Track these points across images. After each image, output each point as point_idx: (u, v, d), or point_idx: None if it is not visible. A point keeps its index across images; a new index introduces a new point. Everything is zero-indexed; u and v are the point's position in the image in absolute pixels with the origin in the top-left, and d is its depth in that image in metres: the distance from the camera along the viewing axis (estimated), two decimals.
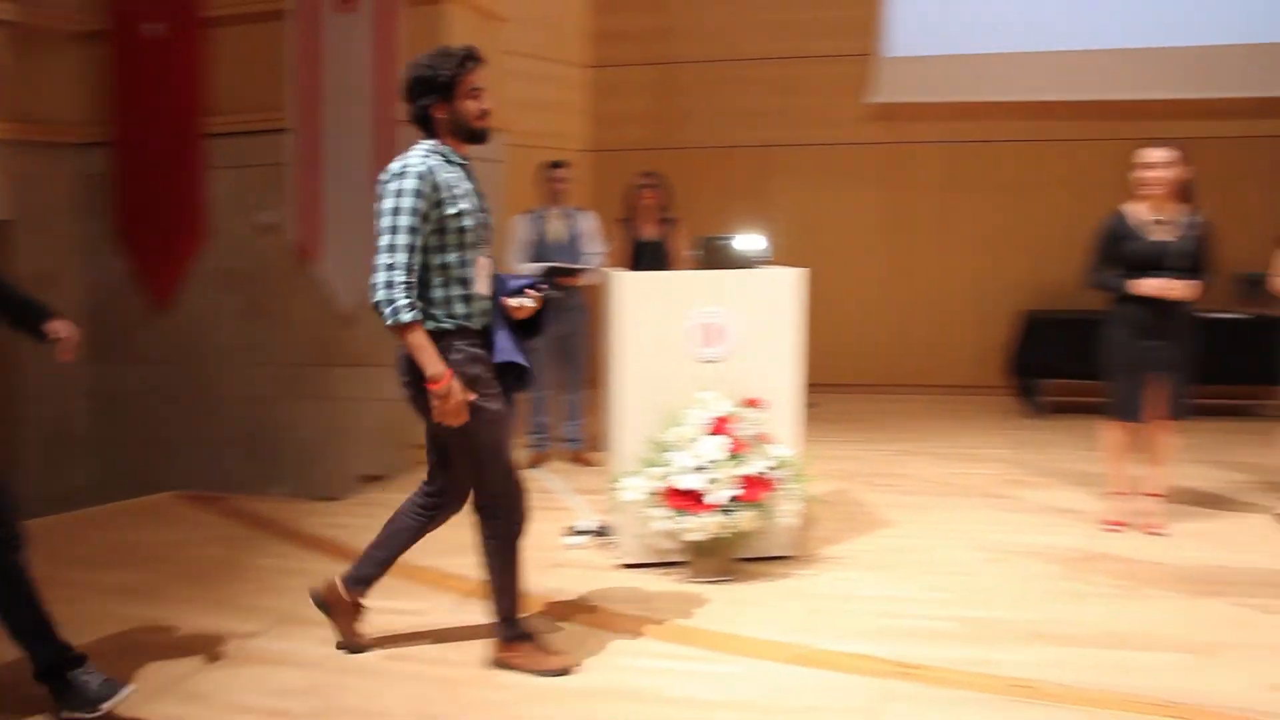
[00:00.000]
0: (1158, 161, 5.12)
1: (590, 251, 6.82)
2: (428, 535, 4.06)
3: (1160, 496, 5.54)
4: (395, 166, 3.56)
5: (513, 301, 3.78)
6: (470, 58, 3.64)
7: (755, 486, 4.59)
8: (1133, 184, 5.22)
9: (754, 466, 4.61)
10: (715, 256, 5.02)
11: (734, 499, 4.56)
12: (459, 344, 3.63)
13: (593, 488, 6.18)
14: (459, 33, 7.20)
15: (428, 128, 3.67)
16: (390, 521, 4.06)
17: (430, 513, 4.00)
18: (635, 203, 7.03)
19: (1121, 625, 4.28)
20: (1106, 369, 5.34)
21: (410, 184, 3.51)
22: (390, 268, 3.47)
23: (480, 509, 3.78)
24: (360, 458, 7.14)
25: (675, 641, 4.15)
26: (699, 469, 4.58)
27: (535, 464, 6.90)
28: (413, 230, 3.50)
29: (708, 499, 4.55)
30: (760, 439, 4.72)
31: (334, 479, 6.94)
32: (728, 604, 4.50)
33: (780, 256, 5.48)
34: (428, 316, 3.59)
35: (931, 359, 9.80)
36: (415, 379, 3.63)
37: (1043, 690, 3.70)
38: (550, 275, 6.64)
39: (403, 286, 3.48)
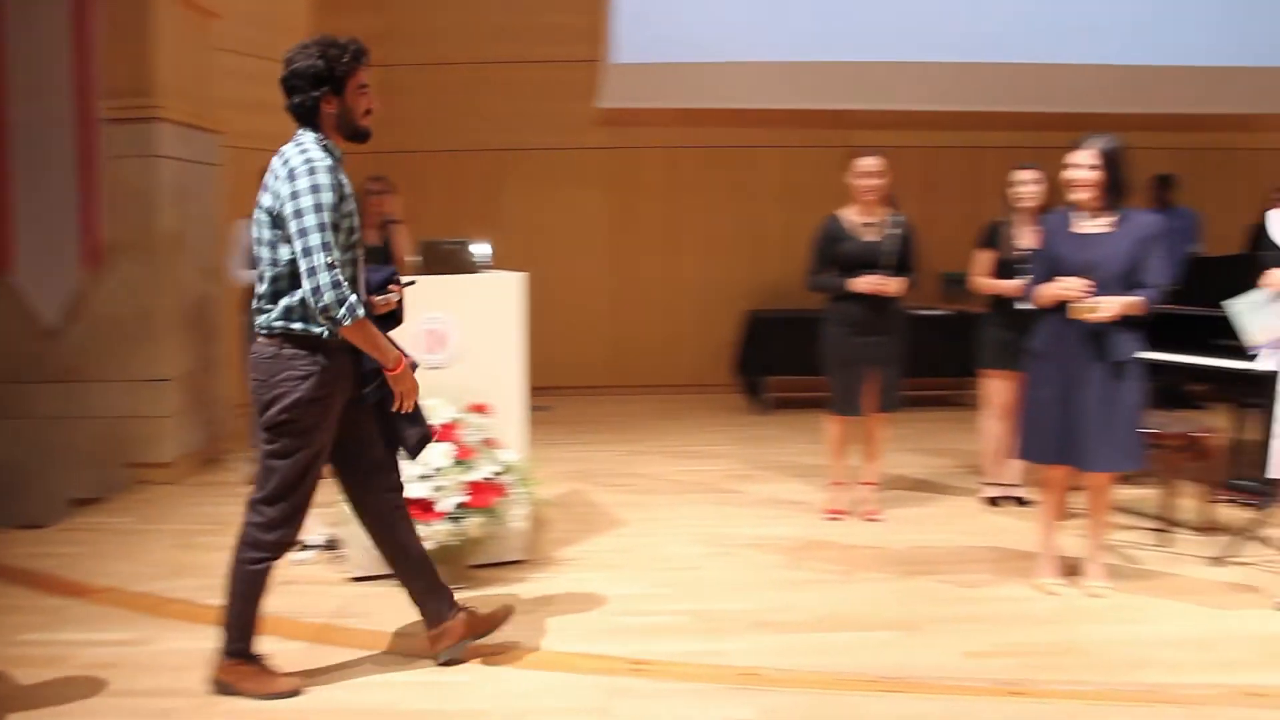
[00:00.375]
0: (871, 169, 5.40)
1: None
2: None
3: (875, 485, 5.84)
4: (298, 160, 3.41)
5: (378, 298, 3.71)
6: (362, 52, 3.55)
7: (484, 492, 4.55)
8: (851, 189, 5.47)
9: (482, 472, 4.58)
10: (437, 261, 4.94)
11: (462, 506, 4.51)
12: (324, 352, 3.53)
13: (321, 500, 5.97)
14: (166, 27, 6.83)
15: (311, 121, 3.52)
16: (387, 542, 3.87)
17: (402, 500, 3.87)
18: (361, 208, 6.84)
19: (839, 608, 4.48)
20: (826, 365, 5.59)
21: (324, 179, 3.39)
22: (331, 266, 3.34)
23: (256, 515, 3.61)
24: (70, 480, 6.66)
25: (407, 654, 4.06)
26: (426, 477, 4.50)
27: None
28: (335, 226, 3.39)
29: (436, 507, 4.48)
30: (487, 444, 4.68)
31: (40, 505, 6.44)
32: None
33: (510, 260, 5.46)
34: (303, 319, 3.48)
35: (660, 359, 10.01)
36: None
37: (767, 676, 3.83)
38: None
39: (347, 283, 3.38)
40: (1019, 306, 5.20)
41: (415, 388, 3.62)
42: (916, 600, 4.59)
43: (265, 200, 3.49)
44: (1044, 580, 4.70)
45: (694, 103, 9.50)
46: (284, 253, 3.46)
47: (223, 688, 3.72)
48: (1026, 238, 5.61)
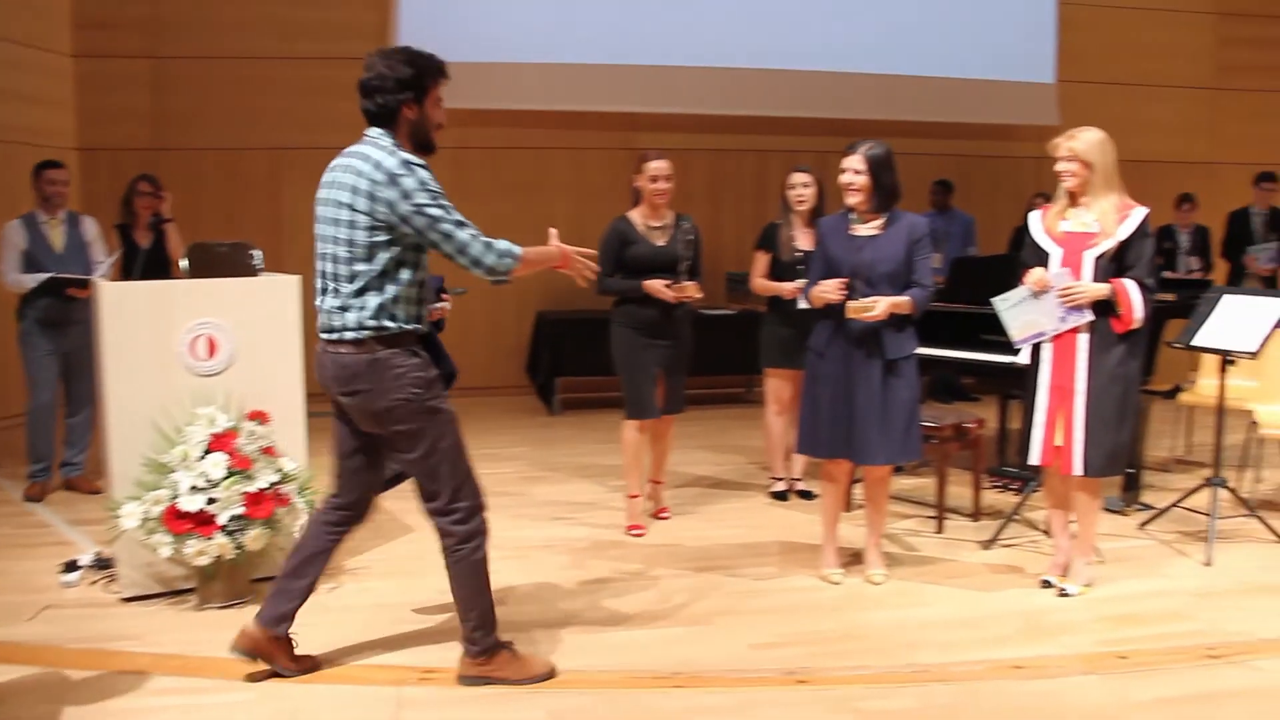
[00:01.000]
0: (660, 172, 5.39)
1: (98, 260, 6.21)
2: None
3: (663, 484, 5.90)
4: (395, 162, 3.45)
5: (435, 305, 3.68)
6: (444, 67, 3.65)
7: (263, 503, 4.40)
8: (640, 192, 5.46)
9: (260, 482, 4.42)
10: (207, 264, 4.73)
11: (240, 517, 4.35)
12: (417, 347, 3.60)
13: (93, 517, 5.67)
14: None
15: (388, 124, 3.56)
16: (298, 549, 3.85)
17: (342, 528, 3.88)
18: (132, 207, 6.53)
19: (630, 607, 4.52)
20: (618, 368, 5.54)
21: (426, 171, 3.50)
22: (474, 233, 3.57)
23: (448, 516, 3.67)
24: None
25: (184, 674, 3.88)
26: (201, 489, 4.31)
27: (34, 496, 6.22)
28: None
29: (213, 520, 4.30)
30: (266, 453, 4.52)
31: None
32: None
33: (292, 264, 5.29)
34: (391, 316, 3.51)
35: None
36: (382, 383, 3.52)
37: (561, 680, 3.82)
38: (56, 286, 6.04)
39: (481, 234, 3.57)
40: (800, 306, 5.34)
41: (586, 266, 3.95)
42: (706, 595, 4.66)
43: (360, 204, 3.47)
44: (828, 571, 4.86)
45: (482, 103, 9.42)
46: (381, 255, 3.49)
47: (476, 681, 3.77)
48: (802, 239, 5.77)
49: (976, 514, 5.80)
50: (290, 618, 3.84)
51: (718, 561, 5.12)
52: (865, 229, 4.61)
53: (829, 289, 4.54)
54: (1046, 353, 4.61)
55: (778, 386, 6.00)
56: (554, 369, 9.14)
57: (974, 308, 5.97)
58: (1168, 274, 9.51)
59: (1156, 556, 5.23)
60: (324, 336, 3.61)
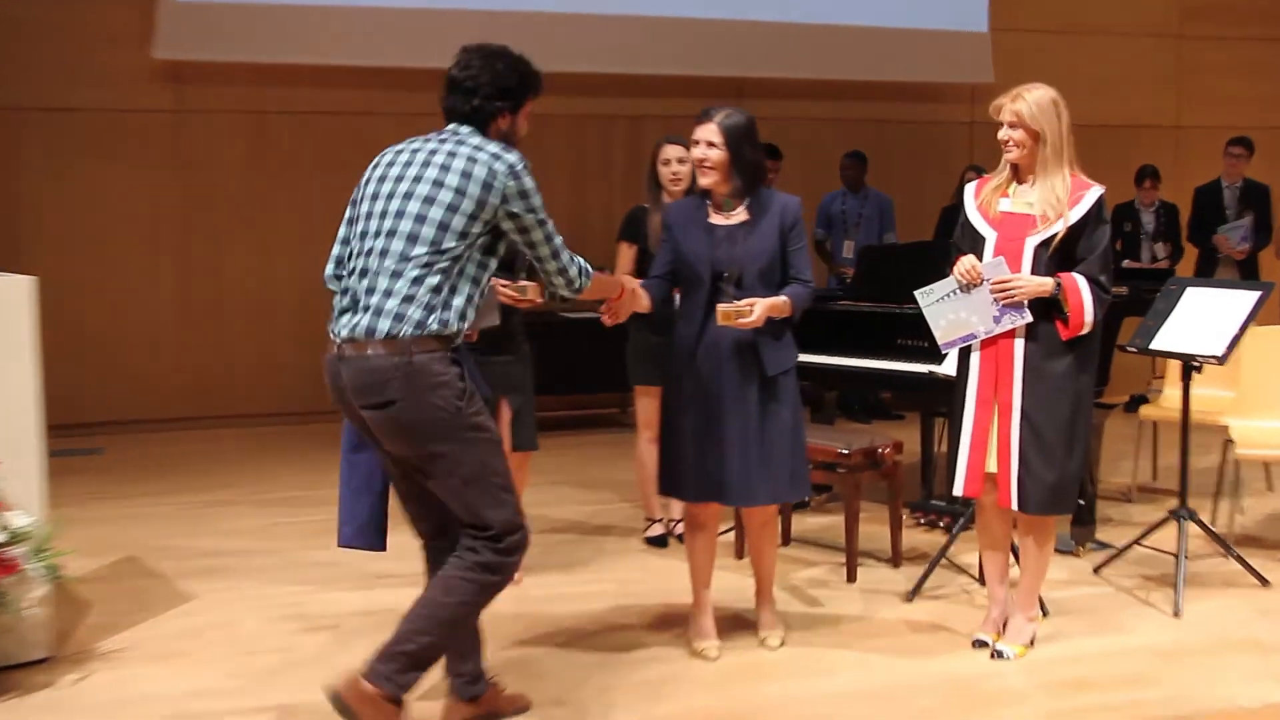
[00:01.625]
0: None
1: None
2: None
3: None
4: (512, 158, 3.76)
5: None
6: (542, 81, 4.00)
7: None
8: None
9: None
10: None
11: None
12: (455, 355, 3.74)
13: None
14: None
15: (479, 127, 3.87)
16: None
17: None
18: None
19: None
20: None
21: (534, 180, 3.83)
22: (564, 246, 3.89)
23: (494, 540, 3.75)
24: None
25: None
26: None
27: None
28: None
29: None
30: None
31: None
32: None
33: (29, 259, 5.11)
34: (442, 322, 3.67)
35: (252, 382, 9.69)
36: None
37: None
38: None
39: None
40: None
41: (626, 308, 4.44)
42: (563, 672, 4.60)
43: (472, 188, 3.70)
44: (701, 644, 4.78)
45: (283, 56, 9.25)
46: (468, 248, 3.72)
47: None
48: None
49: (896, 559, 5.84)
50: (479, 675, 4.09)
51: (577, 626, 5.07)
52: (724, 216, 4.57)
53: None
54: (975, 360, 4.63)
55: (649, 407, 5.89)
56: None
57: (889, 307, 6.01)
58: (1129, 263, 9.74)
59: (1114, 607, 5.29)
60: (344, 336, 3.70)
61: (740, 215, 4.55)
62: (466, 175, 3.71)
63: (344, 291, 3.79)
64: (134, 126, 9.43)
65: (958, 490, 4.68)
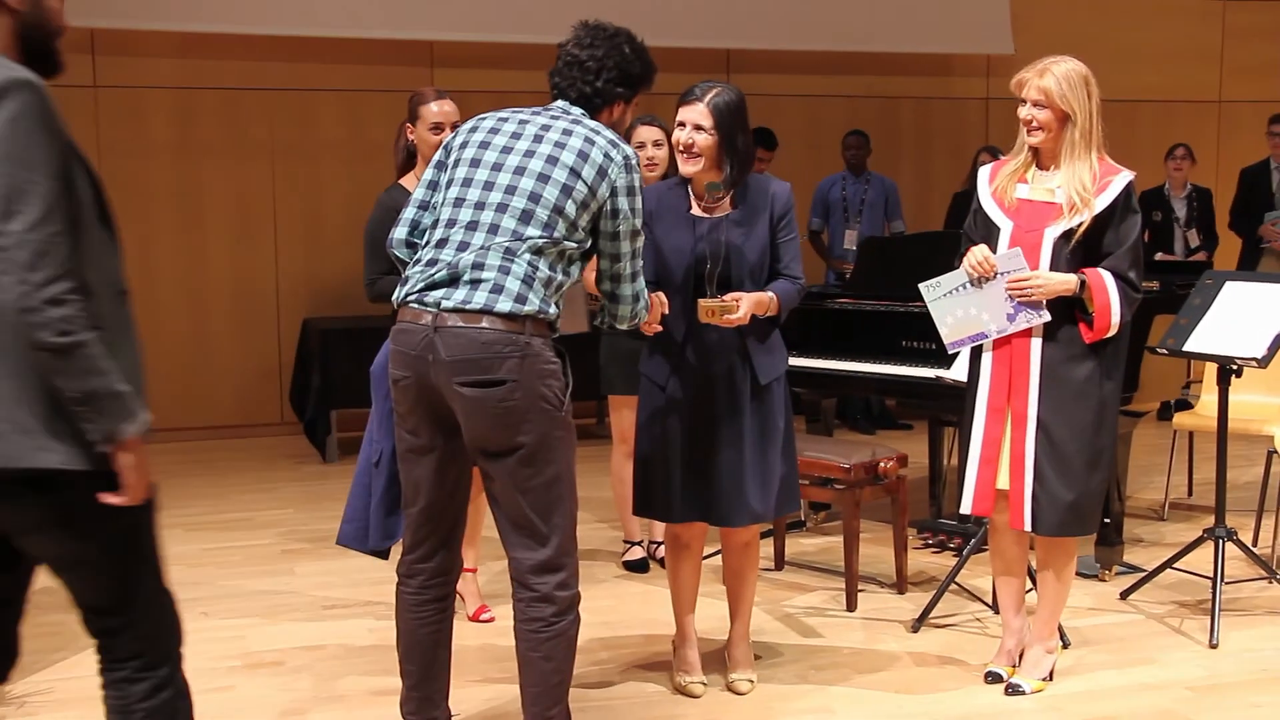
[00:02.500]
0: (449, 118, 5.23)
1: None
2: None
3: (475, 571, 5.75)
4: (628, 150, 3.91)
5: None
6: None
7: None
8: (422, 147, 5.33)
9: None
10: None
11: None
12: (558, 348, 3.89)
13: None
14: None
15: (593, 110, 4.01)
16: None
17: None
18: None
19: None
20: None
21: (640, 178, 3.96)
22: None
23: (551, 575, 3.89)
24: None
25: None
26: None
27: None
28: None
29: None
30: None
31: None
32: None
33: None
34: (554, 304, 3.80)
35: (183, 392, 9.68)
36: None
37: None
38: None
39: None
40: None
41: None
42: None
43: (587, 172, 3.83)
44: (685, 679, 4.84)
45: (211, 24, 9.26)
46: (574, 236, 3.83)
47: None
48: None
49: (901, 584, 5.89)
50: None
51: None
52: (710, 208, 4.56)
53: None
54: (986, 363, 4.66)
55: (626, 419, 5.93)
56: (326, 398, 9.00)
57: (893, 305, 6.06)
58: (1163, 256, 9.76)
59: (1143, 637, 5.35)
60: (448, 307, 3.71)
61: (725, 205, 4.55)
62: (583, 157, 3.83)
63: (430, 263, 3.79)
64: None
65: (966, 508, 4.71)
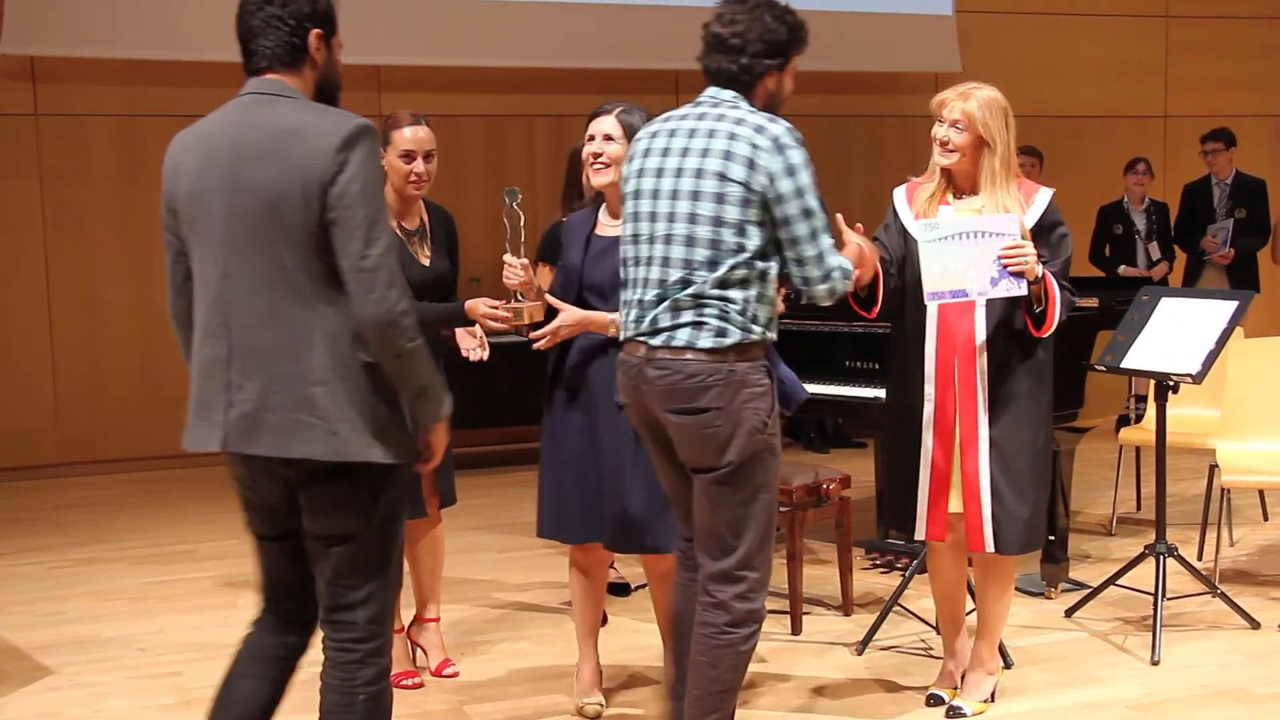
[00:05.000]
0: (424, 146, 5.06)
1: None
2: None
3: (438, 621, 5.52)
4: (777, 129, 3.81)
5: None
6: (808, 31, 4.04)
7: None
8: (391, 176, 5.09)
9: None
10: None
11: None
12: (768, 363, 3.91)
13: None
14: None
15: (745, 90, 3.93)
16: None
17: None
18: None
19: None
20: None
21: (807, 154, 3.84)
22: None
23: (732, 585, 3.87)
24: None
25: None
26: None
27: None
28: None
29: None
30: None
31: None
32: None
33: None
34: (754, 319, 3.83)
35: (129, 421, 9.63)
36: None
37: None
38: None
39: None
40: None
41: None
42: None
43: (735, 171, 3.78)
44: (584, 700, 4.83)
45: (155, 51, 9.21)
46: (754, 238, 3.80)
47: None
48: None
49: (847, 606, 5.89)
50: None
51: (517, 696, 5.11)
52: (614, 227, 4.43)
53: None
54: (930, 391, 4.59)
55: None
56: None
57: (835, 324, 6.05)
58: (1126, 270, 9.77)
59: (1085, 654, 5.37)
60: (649, 341, 3.85)
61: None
62: (728, 157, 3.80)
63: (626, 304, 3.94)
64: None
65: (919, 534, 4.69)
